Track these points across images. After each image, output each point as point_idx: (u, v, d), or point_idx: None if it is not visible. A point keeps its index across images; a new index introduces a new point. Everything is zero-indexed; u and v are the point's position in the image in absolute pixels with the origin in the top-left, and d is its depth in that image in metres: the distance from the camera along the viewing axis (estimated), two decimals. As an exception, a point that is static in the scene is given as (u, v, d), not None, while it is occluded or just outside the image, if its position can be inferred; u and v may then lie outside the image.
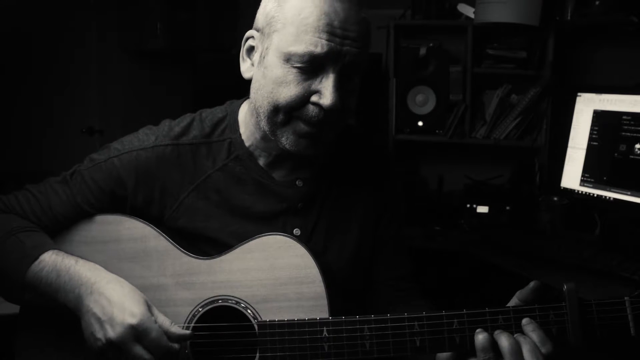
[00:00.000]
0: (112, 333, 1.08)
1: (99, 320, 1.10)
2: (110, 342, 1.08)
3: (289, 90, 1.11)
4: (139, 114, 3.38)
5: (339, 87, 1.11)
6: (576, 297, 1.02)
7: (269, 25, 1.13)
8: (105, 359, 1.12)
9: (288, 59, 1.10)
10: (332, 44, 1.08)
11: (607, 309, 1.02)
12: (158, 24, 3.41)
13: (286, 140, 1.15)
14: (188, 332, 1.14)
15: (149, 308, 1.13)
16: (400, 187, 1.39)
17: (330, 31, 1.08)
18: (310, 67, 1.10)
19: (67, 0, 3.29)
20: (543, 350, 1.00)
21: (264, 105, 1.15)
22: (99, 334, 1.09)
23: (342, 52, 1.09)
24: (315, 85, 1.11)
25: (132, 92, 3.63)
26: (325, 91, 1.10)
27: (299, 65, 1.09)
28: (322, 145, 1.18)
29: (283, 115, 1.13)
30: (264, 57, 1.15)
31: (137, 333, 1.08)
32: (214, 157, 1.25)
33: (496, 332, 1.03)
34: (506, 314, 1.04)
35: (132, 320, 1.08)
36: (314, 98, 1.11)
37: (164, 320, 1.13)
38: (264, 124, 1.17)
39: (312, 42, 1.08)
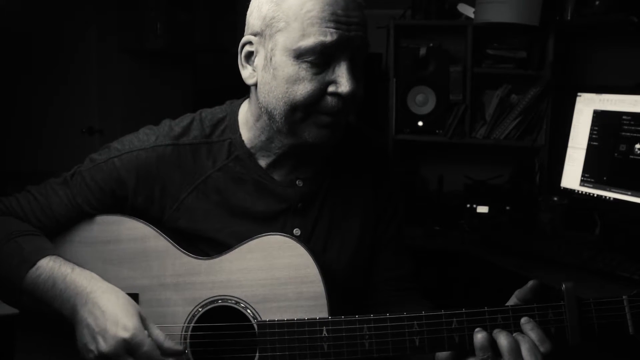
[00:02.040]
0: (104, 346, 1.08)
1: (92, 332, 1.09)
2: (102, 355, 1.08)
3: (304, 87, 1.11)
4: (139, 114, 3.39)
5: (353, 73, 1.11)
6: (575, 296, 1.02)
7: (269, 27, 1.13)
8: None
9: (298, 55, 1.10)
10: (340, 31, 1.08)
11: (606, 308, 1.02)
12: (158, 24, 3.41)
13: (308, 134, 1.15)
14: (180, 348, 1.14)
15: (142, 321, 1.12)
16: (400, 186, 1.39)
17: (336, 19, 1.08)
18: (322, 59, 1.10)
19: (67, 0, 3.29)
20: (542, 349, 1.00)
21: (280, 106, 1.14)
22: (92, 346, 1.09)
23: (351, 37, 1.10)
24: (329, 76, 1.11)
25: (132, 92, 3.63)
26: (341, 79, 1.10)
27: (310, 59, 1.09)
28: (339, 135, 1.19)
29: (301, 112, 1.13)
30: (270, 59, 1.13)
31: (129, 347, 1.08)
32: (214, 157, 1.25)
33: (495, 331, 1.03)
34: (505, 313, 1.04)
35: (125, 334, 1.08)
36: (330, 88, 1.11)
37: (158, 335, 1.13)
38: (280, 124, 1.16)
39: (320, 33, 1.08)
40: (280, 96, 1.13)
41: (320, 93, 1.11)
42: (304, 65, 1.10)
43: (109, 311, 1.10)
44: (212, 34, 3.71)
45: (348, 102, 1.12)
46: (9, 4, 3.07)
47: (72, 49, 3.38)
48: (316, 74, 1.10)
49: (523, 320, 1.03)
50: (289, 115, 1.14)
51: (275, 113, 1.15)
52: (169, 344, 1.12)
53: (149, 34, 3.44)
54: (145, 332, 1.11)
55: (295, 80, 1.11)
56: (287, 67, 1.11)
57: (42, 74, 3.28)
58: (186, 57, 3.70)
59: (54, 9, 3.25)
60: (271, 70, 1.13)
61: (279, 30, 1.11)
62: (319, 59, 1.09)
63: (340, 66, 1.10)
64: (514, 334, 1.02)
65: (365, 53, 1.15)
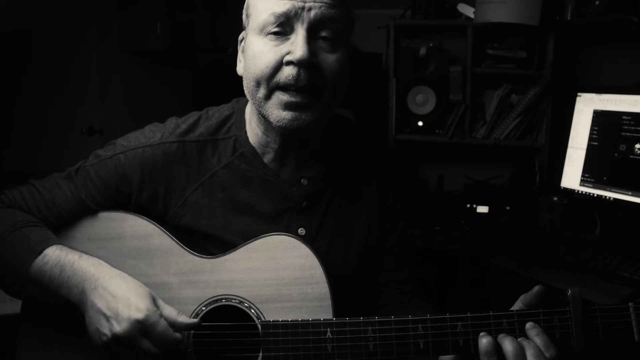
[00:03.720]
0: (118, 328, 1.08)
1: (104, 315, 1.10)
2: (116, 337, 1.09)
3: (264, 58, 1.13)
4: (139, 114, 3.38)
5: (309, 41, 1.11)
6: (580, 302, 1.02)
7: (246, 18, 1.19)
8: (110, 353, 1.13)
9: (259, 31, 1.13)
10: (293, 1, 1.10)
11: (611, 315, 1.02)
12: (158, 24, 3.40)
13: (271, 115, 1.15)
14: (195, 320, 1.15)
15: (154, 301, 1.13)
16: (406, 188, 1.39)
17: None
18: (281, 30, 1.12)
19: (67, 0, 3.28)
20: (547, 354, 1.00)
21: (249, 84, 1.17)
22: (105, 329, 1.10)
23: (305, 7, 1.11)
24: (287, 47, 1.12)
25: (132, 92, 3.62)
26: (295, 47, 1.11)
27: (270, 30, 1.12)
28: (309, 119, 1.15)
29: (264, 88, 1.14)
30: (244, 43, 1.20)
31: (143, 327, 1.09)
32: (220, 155, 1.26)
33: (500, 335, 1.03)
34: (510, 317, 1.05)
35: (139, 315, 1.08)
36: (287, 57, 1.12)
37: (170, 311, 1.13)
38: (254, 105, 1.18)
39: (274, 5, 1.11)
40: (247, 74, 1.17)
41: (277, 63, 1.12)
42: (266, 39, 1.13)
43: (120, 294, 1.11)
44: (212, 34, 3.70)
45: (304, 71, 1.11)
46: (9, 4, 3.06)
47: (72, 49, 3.37)
48: (276, 45, 1.13)
49: (528, 325, 1.03)
50: (254, 92, 1.16)
51: (248, 92, 1.18)
52: (182, 318, 1.13)
53: (149, 34, 3.43)
54: (158, 312, 1.11)
55: (258, 55, 1.14)
56: (254, 44, 1.15)
57: (42, 74, 3.26)
58: (186, 57, 3.70)
59: (54, 9, 3.24)
60: (244, 53, 1.19)
61: (250, 15, 1.17)
62: (277, 30, 1.12)
63: (297, 35, 1.12)
64: (519, 339, 1.02)
65: (337, 25, 1.14)
